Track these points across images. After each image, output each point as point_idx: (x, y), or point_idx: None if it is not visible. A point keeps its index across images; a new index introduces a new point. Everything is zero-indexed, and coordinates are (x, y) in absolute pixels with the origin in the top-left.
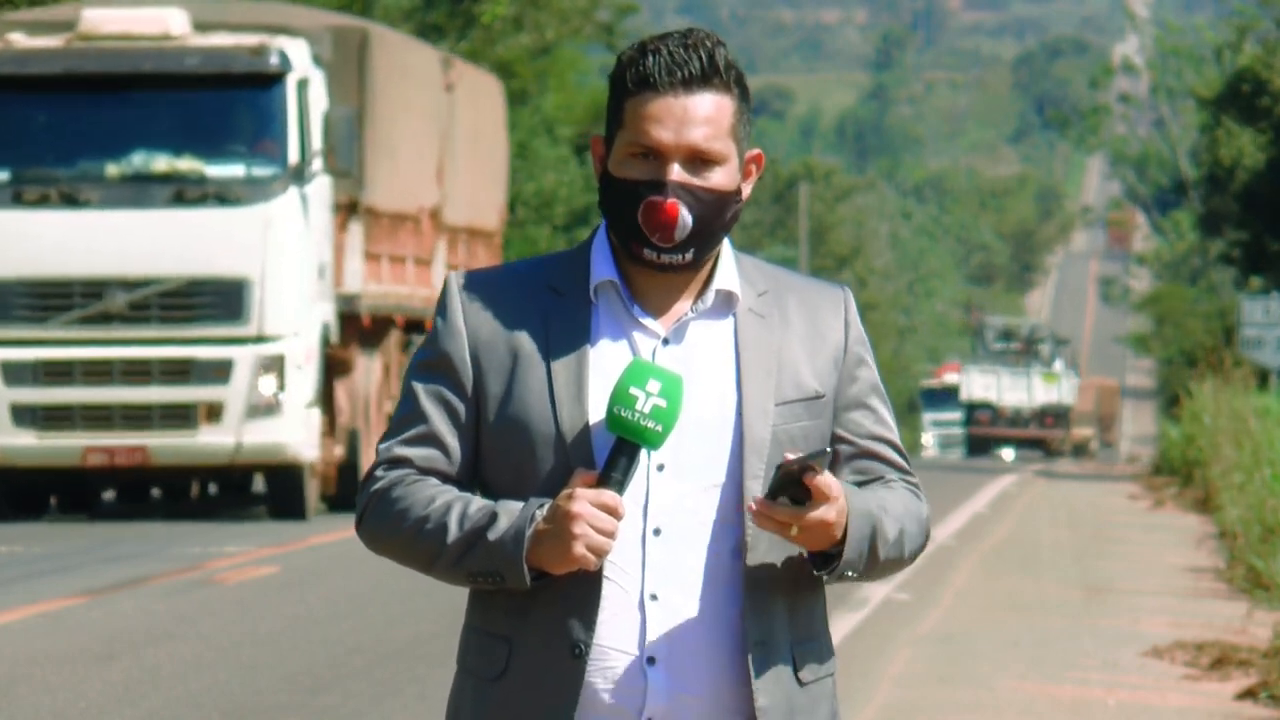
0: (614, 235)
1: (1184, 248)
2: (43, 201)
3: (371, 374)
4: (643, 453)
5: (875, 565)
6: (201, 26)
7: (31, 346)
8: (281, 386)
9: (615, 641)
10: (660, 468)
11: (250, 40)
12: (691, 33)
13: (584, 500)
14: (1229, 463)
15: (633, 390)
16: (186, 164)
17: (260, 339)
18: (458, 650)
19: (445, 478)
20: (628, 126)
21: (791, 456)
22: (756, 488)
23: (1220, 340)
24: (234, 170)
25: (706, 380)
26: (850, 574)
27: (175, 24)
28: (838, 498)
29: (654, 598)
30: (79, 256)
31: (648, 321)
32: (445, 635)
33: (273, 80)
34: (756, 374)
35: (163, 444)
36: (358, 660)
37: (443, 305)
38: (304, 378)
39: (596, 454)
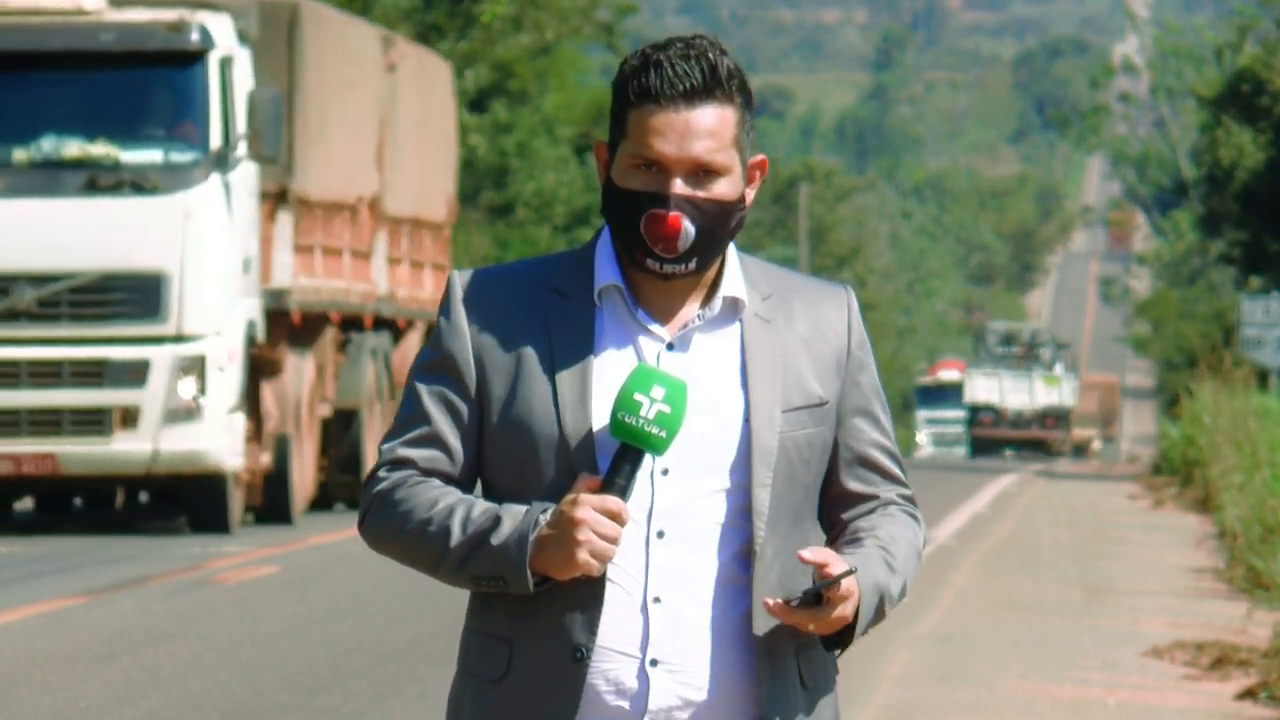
0: (618, 243)
1: (1184, 248)
2: None
3: (303, 375)
4: (647, 458)
5: (880, 621)
6: (117, 0)
7: None
8: (202, 390)
9: (617, 644)
10: (665, 472)
11: (169, 15)
12: (694, 42)
13: (588, 506)
14: (1229, 463)
15: (637, 396)
16: (100, 149)
17: (179, 338)
18: (458, 652)
19: (448, 479)
20: (630, 137)
21: (805, 557)
22: (765, 496)
23: (1220, 340)
24: (151, 156)
25: (712, 386)
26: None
27: None
28: (852, 596)
29: (657, 601)
30: None
31: (653, 327)
32: (445, 635)
33: (193, 58)
34: (763, 381)
35: (73, 452)
36: (358, 660)
37: (445, 305)
38: (227, 380)
39: (600, 459)
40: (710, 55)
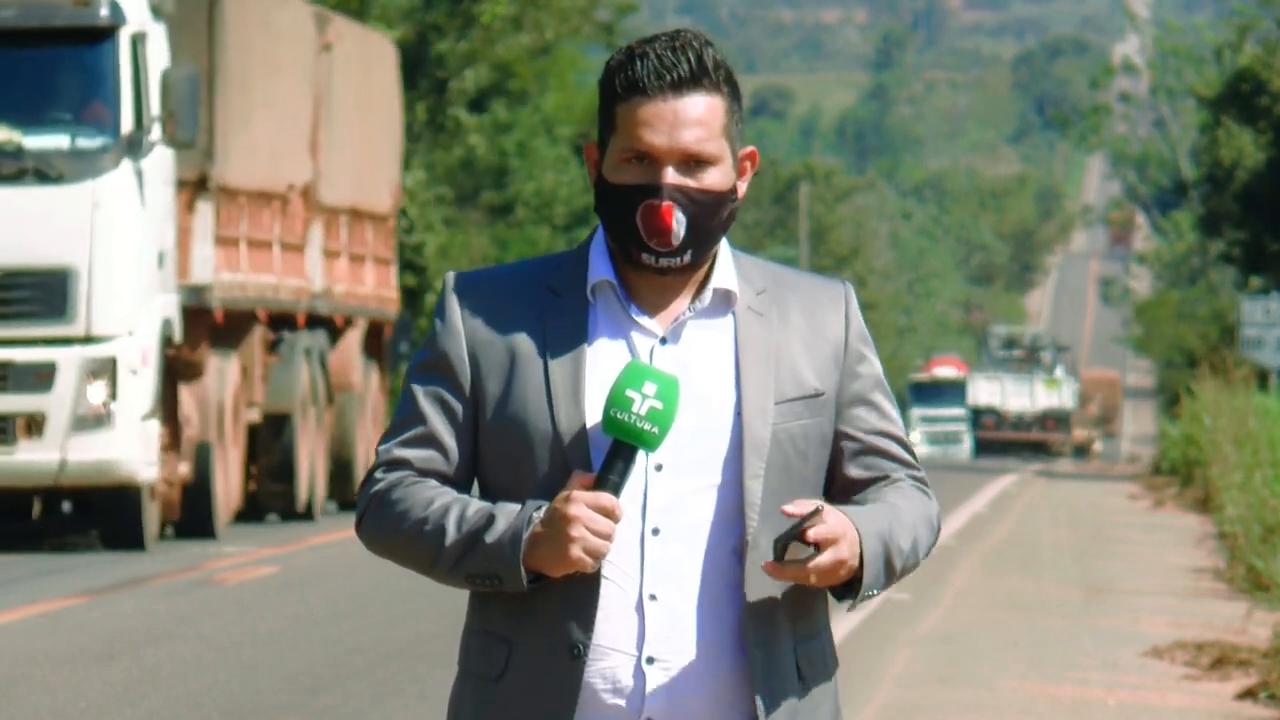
0: (612, 241)
1: (1184, 248)
2: None
3: (227, 378)
4: (640, 454)
5: (894, 577)
6: None
7: None
8: (113, 395)
9: (614, 642)
10: (659, 467)
11: None
12: (679, 34)
13: (581, 503)
14: (1229, 463)
15: (629, 393)
16: (1, 134)
17: (88, 339)
18: (459, 652)
19: (444, 479)
20: (620, 132)
21: (791, 509)
22: (757, 487)
23: (1220, 340)
24: (57, 141)
25: (705, 380)
26: (872, 593)
27: None
28: (843, 535)
29: (653, 598)
30: None
31: (645, 321)
32: (445, 635)
33: (102, 35)
34: (755, 373)
35: None
36: (358, 660)
37: (441, 306)
38: (140, 384)
39: (593, 455)
40: (695, 45)
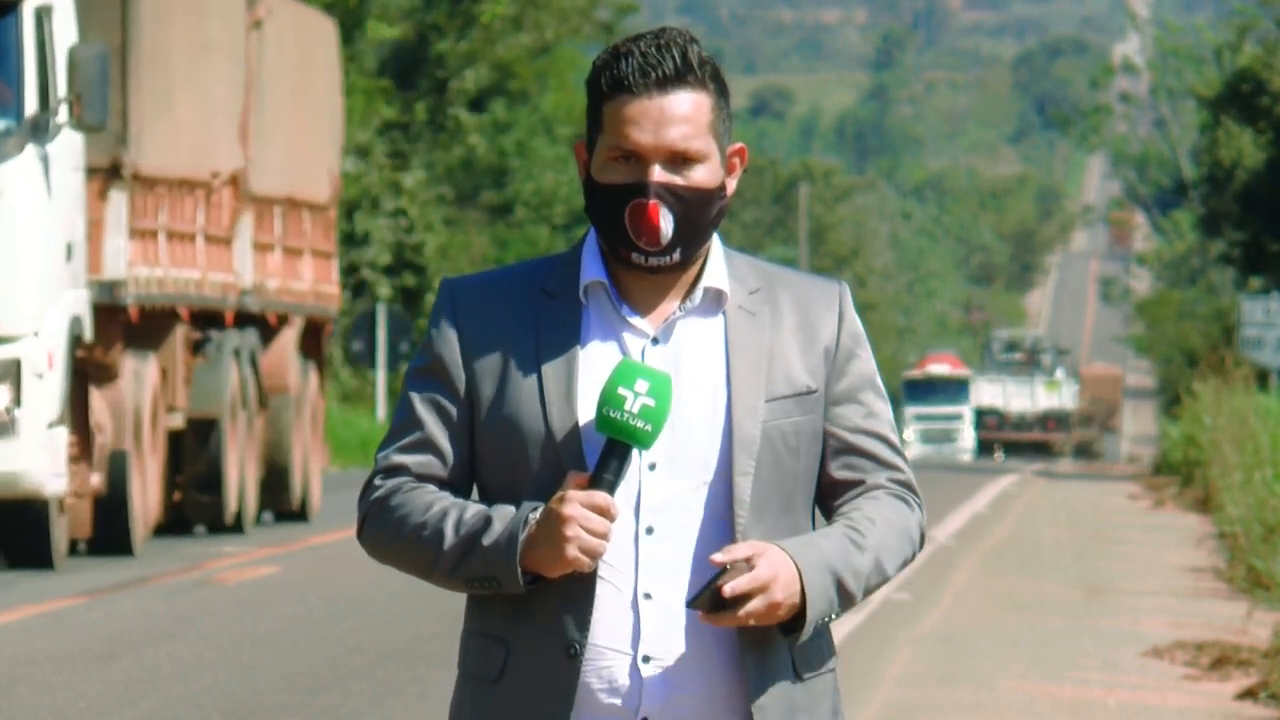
0: (602, 240)
1: (1184, 248)
2: None
3: (144, 381)
4: (634, 452)
5: (853, 601)
6: None
7: None
8: (17, 400)
9: (610, 641)
10: (652, 466)
11: None
12: (663, 32)
13: (575, 502)
14: (1229, 463)
15: (621, 391)
16: None
17: None
18: (458, 654)
19: (442, 483)
20: (606, 131)
21: (715, 559)
22: (746, 484)
23: (1220, 340)
24: None
25: (696, 378)
26: (828, 620)
27: None
28: (772, 579)
29: (648, 596)
30: None
31: (636, 321)
32: (445, 635)
33: (3, 9)
34: (746, 371)
35: None
36: (358, 660)
37: (436, 311)
38: (46, 388)
39: (587, 455)
40: (680, 42)
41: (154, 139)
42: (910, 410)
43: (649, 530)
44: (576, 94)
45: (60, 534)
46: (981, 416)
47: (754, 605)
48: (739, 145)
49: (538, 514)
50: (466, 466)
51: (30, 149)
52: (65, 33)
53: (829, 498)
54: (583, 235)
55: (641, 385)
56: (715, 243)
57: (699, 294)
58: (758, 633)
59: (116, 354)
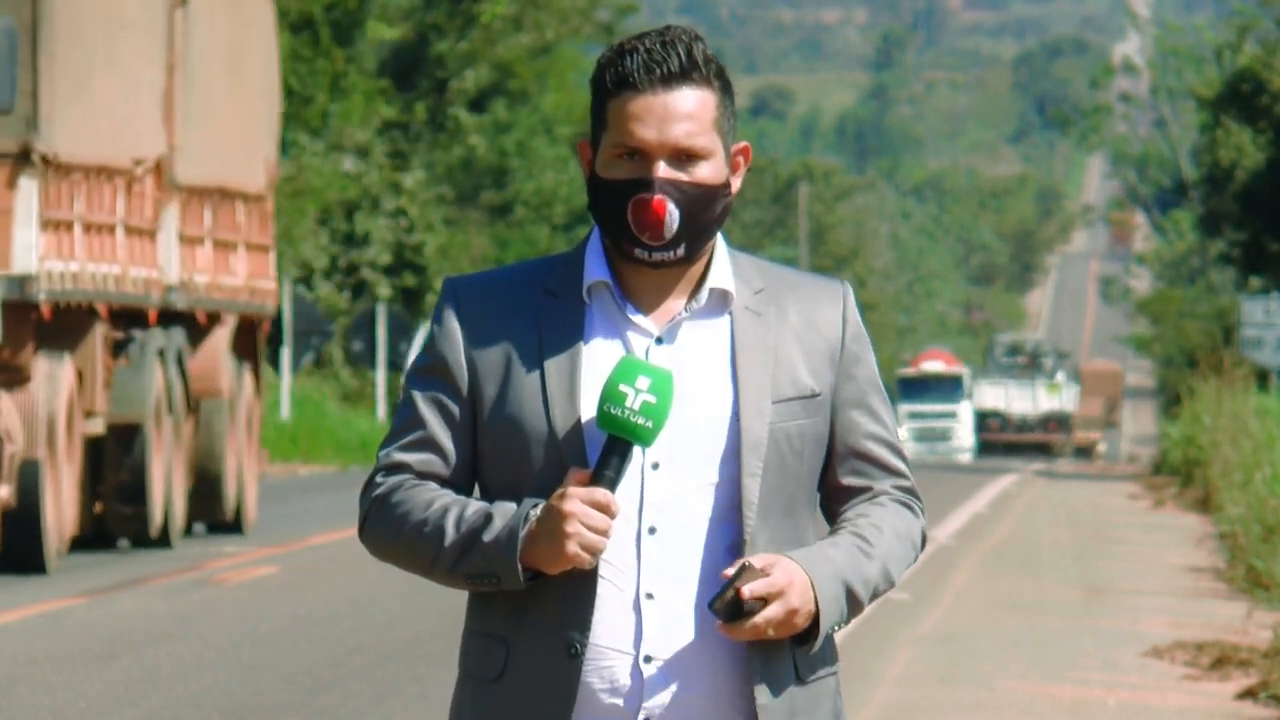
0: (605, 236)
1: (1184, 248)
2: None
3: (59, 384)
4: (636, 450)
5: (861, 608)
6: None
7: None
8: None
9: (611, 641)
10: (655, 466)
11: None
12: (669, 30)
13: (576, 499)
14: (1229, 463)
15: (622, 387)
16: None
17: None
18: (459, 653)
19: (444, 482)
20: (611, 128)
21: (730, 572)
22: (754, 486)
23: (1220, 340)
24: None
25: (701, 379)
26: (835, 629)
27: None
28: (788, 584)
29: (650, 596)
30: None
31: (641, 321)
32: (445, 635)
33: None
34: (753, 372)
35: None
36: (358, 660)
37: (438, 311)
38: None
39: (590, 452)
40: (685, 39)
41: (68, 122)
42: (904, 408)
43: (651, 530)
44: (576, 94)
45: None
46: (984, 419)
47: (772, 611)
48: (743, 144)
49: (538, 510)
50: (468, 466)
51: None
52: None
53: (834, 502)
54: (585, 236)
55: (643, 382)
56: (720, 242)
57: (705, 294)
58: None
59: (27, 355)
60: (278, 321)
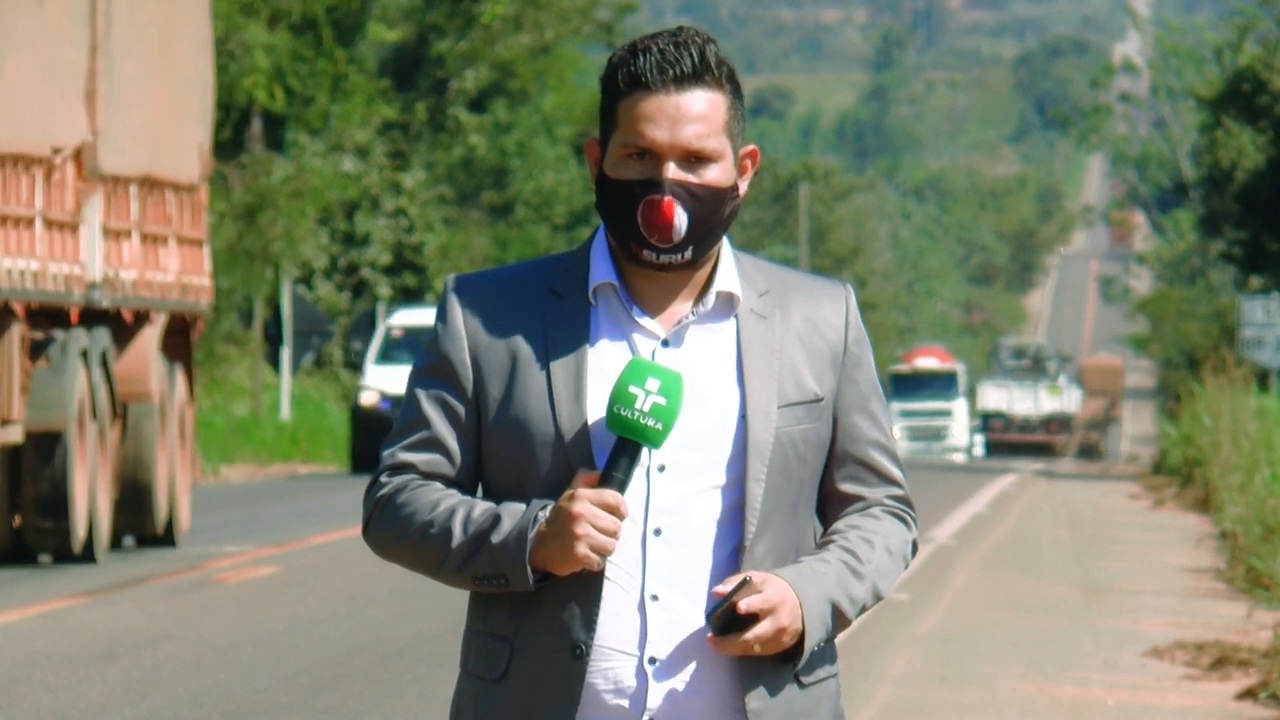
0: (613, 237)
1: (1184, 248)
2: None
3: None
4: (644, 452)
5: (848, 624)
6: None
7: None
8: None
9: (616, 642)
10: (661, 468)
11: None
12: (681, 30)
13: (586, 500)
14: (1229, 463)
15: (632, 389)
16: None
17: None
18: (460, 652)
19: (448, 481)
20: (621, 127)
21: (724, 589)
22: (759, 490)
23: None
24: None
25: (707, 382)
26: (819, 646)
27: None
28: (780, 603)
29: (655, 598)
30: None
31: (647, 323)
32: (446, 635)
33: None
34: (759, 376)
35: None
36: (358, 660)
37: (442, 309)
38: None
39: (596, 455)
40: (698, 41)
41: None
42: (896, 406)
43: (657, 532)
44: (577, 94)
45: None
46: (988, 419)
47: (762, 628)
48: (751, 147)
49: (547, 512)
50: (473, 467)
51: None
52: None
53: (829, 507)
54: (590, 236)
55: (653, 384)
56: (725, 245)
57: (711, 297)
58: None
59: None
60: (278, 321)
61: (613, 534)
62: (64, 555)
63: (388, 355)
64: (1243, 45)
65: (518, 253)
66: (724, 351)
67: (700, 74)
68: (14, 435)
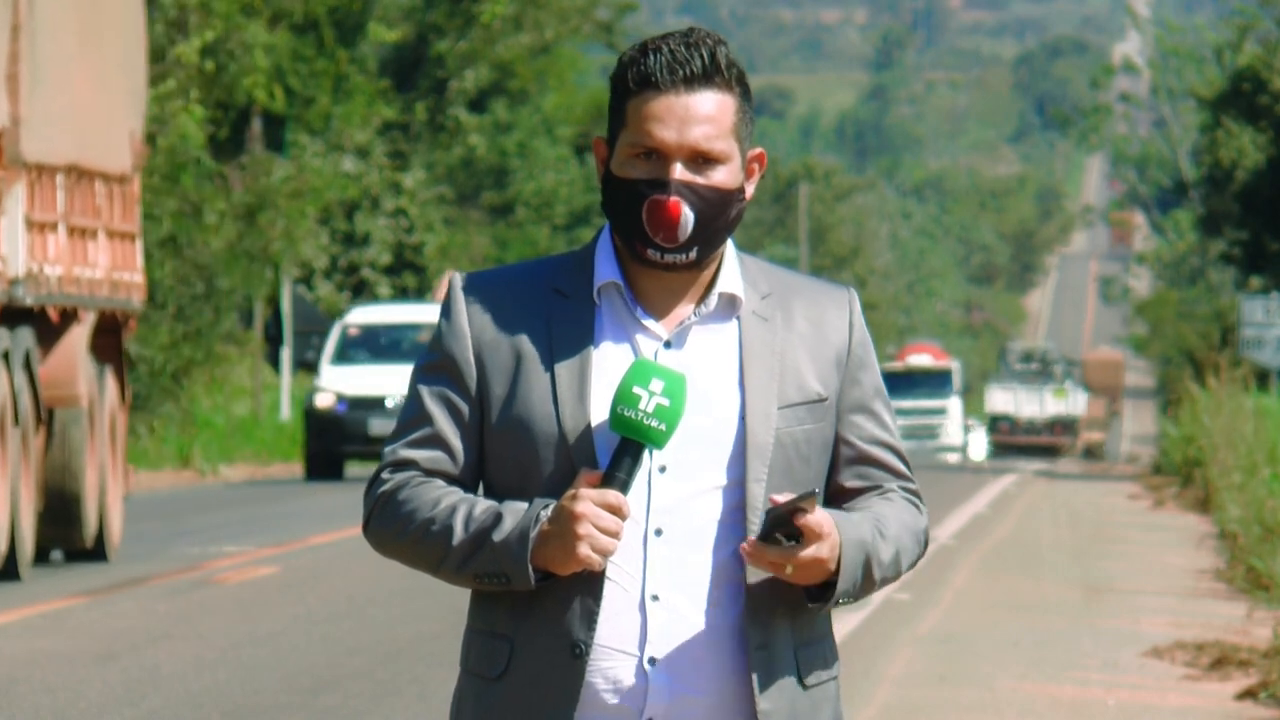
0: (618, 236)
1: (1184, 248)
2: None
3: None
4: (646, 452)
5: (871, 588)
6: None
7: None
8: None
9: (616, 642)
10: (662, 469)
11: None
12: (693, 31)
13: (588, 500)
14: (1229, 463)
15: (636, 389)
16: None
17: None
18: (460, 651)
19: (450, 479)
20: (630, 126)
21: (780, 499)
22: (759, 491)
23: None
24: None
25: (709, 383)
26: (844, 601)
27: None
28: (829, 535)
29: (655, 598)
30: None
31: (650, 324)
32: (446, 635)
33: None
34: (760, 377)
35: None
36: (358, 660)
37: (447, 307)
38: None
39: (599, 455)
40: (709, 43)
41: None
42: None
43: (658, 532)
44: (577, 94)
45: None
46: (994, 422)
47: (805, 553)
48: (759, 150)
49: (549, 511)
50: (475, 465)
51: None
52: None
53: (838, 505)
54: (595, 235)
55: (656, 384)
56: (729, 247)
57: (714, 299)
58: (765, 636)
59: None
60: (278, 321)
61: (615, 534)
62: None
63: (344, 355)
64: (1243, 45)
65: (518, 253)
66: (725, 353)
67: (710, 75)
68: None
